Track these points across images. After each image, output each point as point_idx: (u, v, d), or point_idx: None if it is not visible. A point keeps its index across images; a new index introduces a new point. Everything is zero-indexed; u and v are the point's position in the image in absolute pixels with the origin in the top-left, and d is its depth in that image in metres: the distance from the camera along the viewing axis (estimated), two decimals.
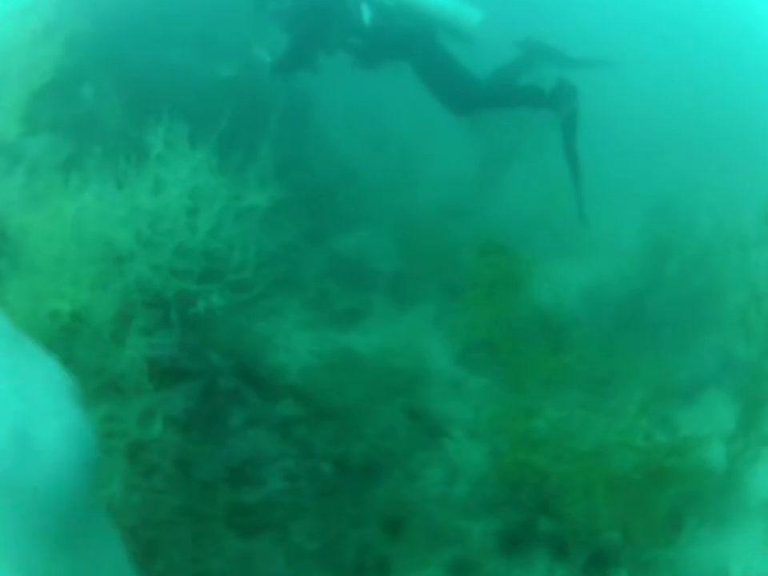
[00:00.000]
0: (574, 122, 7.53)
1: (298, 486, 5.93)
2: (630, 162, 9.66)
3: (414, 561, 5.87)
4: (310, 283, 8.56)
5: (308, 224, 8.90)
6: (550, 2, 10.02)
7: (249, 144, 6.76)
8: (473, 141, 9.33)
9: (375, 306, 8.39)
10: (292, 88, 8.83)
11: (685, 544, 6.26)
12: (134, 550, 3.04)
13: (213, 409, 5.92)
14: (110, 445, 4.94)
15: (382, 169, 9.82)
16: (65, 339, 5.15)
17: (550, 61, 8.18)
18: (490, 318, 7.41)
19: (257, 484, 5.82)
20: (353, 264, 8.80)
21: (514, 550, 6.17)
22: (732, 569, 6.29)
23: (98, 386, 5.11)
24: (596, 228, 8.55)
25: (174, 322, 5.96)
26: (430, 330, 8.13)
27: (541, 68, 8.27)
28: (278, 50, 8.30)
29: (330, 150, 9.73)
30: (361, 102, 10.02)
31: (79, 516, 2.50)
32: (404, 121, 10.19)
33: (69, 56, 7.80)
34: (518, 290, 7.52)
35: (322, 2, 7.99)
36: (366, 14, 7.84)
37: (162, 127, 6.19)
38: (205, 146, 6.41)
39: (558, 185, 8.30)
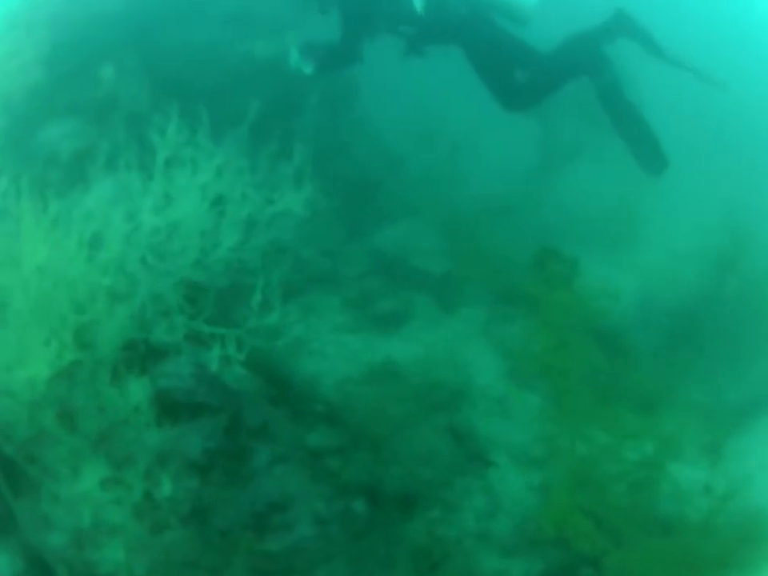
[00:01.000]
0: (615, 90, 7.14)
1: (328, 530, 5.49)
2: (698, 163, 9.02)
3: None
4: (350, 281, 8.10)
5: (350, 216, 8.39)
6: None
7: (283, 136, 6.15)
8: (530, 133, 8.73)
9: (419, 309, 7.98)
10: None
11: None
12: None
13: (236, 447, 5.46)
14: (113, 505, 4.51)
15: (430, 160, 9.38)
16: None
17: (635, 40, 7.43)
18: (543, 330, 6.83)
19: (283, 530, 5.39)
20: (396, 261, 8.38)
21: None
22: None
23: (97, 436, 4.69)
24: (653, 228, 7.95)
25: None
26: (478, 340, 7.72)
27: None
28: (321, 46, 7.69)
29: (375, 138, 9.22)
30: (410, 88, 9.46)
31: None
32: (455, 109, 9.65)
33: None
34: (573, 300, 6.98)
35: None
36: (419, 2, 7.26)
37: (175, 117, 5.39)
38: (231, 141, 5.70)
39: (618, 185, 7.71)
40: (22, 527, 4.81)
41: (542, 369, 6.73)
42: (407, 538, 5.81)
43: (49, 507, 4.83)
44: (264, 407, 5.90)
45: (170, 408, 5.36)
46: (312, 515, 5.54)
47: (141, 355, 5.21)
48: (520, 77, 7.51)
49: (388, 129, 9.46)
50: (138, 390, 5.03)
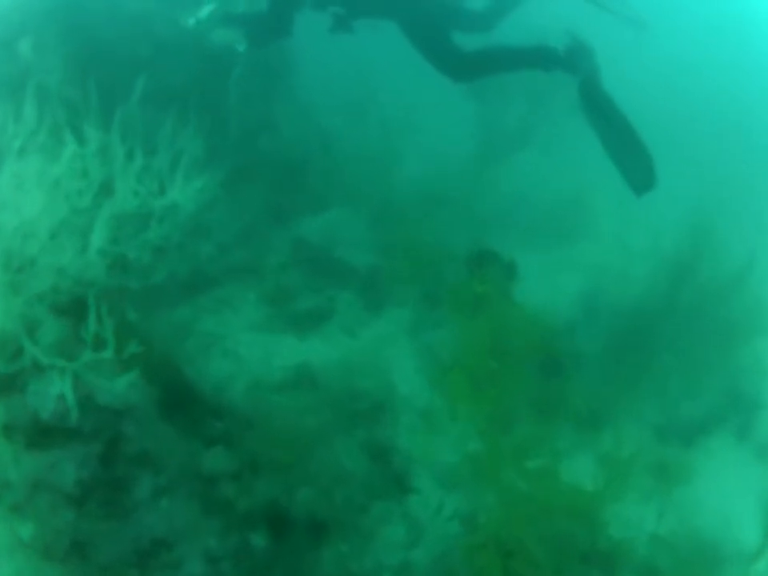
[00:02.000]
0: (594, 83, 6.58)
1: (221, 568, 4.93)
2: (659, 155, 8.51)
3: None
4: (269, 272, 7.47)
5: (272, 200, 7.77)
6: None
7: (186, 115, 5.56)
8: (471, 115, 8.11)
9: (341, 308, 7.50)
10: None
11: None
12: None
13: (114, 477, 4.85)
14: None
15: (360, 140, 8.76)
16: None
17: None
18: (474, 336, 6.52)
19: (170, 568, 4.87)
20: (320, 253, 7.75)
21: None
22: None
23: None
24: (604, 222, 7.49)
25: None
26: (403, 344, 7.17)
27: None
28: (248, 20, 7.24)
29: (301, 115, 8.51)
30: (338, 60, 8.79)
31: None
32: (389, 86, 9.01)
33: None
34: (509, 304, 6.52)
35: None
36: None
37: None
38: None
39: (566, 175, 7.19)
40: None
41: (472, 380, 6.39)
42: (315, 573, 5.41)
43: None
44: (152, 426, 5.23)
45: (42, 432, 4.76)
46: (203, 552, 4.99)
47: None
48: (465, 46, 7.01)
49: (315, 105, 8.81)
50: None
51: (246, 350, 6.99)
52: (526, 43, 6.94)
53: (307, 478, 5.82)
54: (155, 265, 5.47)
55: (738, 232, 7.95)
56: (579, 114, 6.67)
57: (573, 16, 7.15)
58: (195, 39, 7.33)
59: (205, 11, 7.09)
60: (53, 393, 4.67)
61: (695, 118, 10.07)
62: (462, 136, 9.07)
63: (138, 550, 4.91)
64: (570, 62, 6.64)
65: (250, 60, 7.54)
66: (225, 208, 7.47)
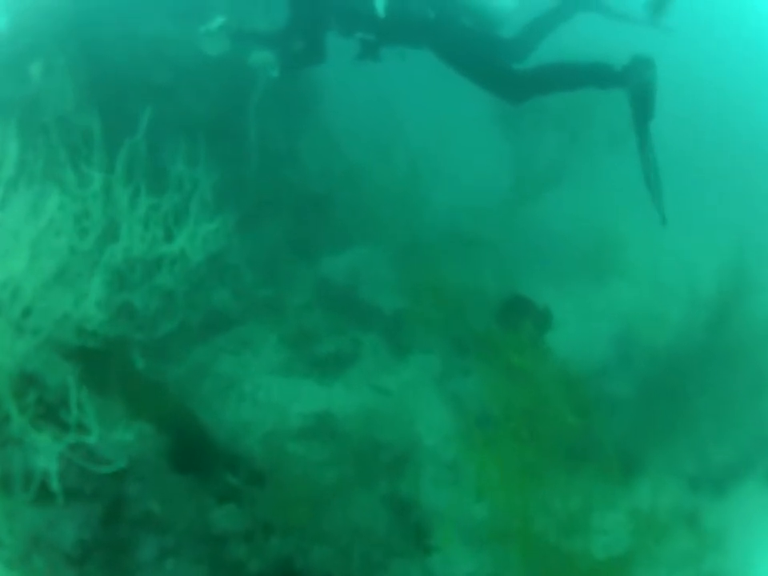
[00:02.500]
0: (648, 97, 6.25)
1: None
2: (695, 188, 8.20)
3: None
4: (291, 312, 7.24)
5: (295, 235, 7.56)
6: None
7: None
8: (502, 151, 7.86)
9: (365, 352, 7.23)
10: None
11: None
12: None
13: (116, 539, 4.61)
14: None
15: (387, 175, 8.47)
16: None
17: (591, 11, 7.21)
18: (504, 387, 6.23)
19: None
20: (344, 293, 7.52)
21: None
22: None
23: None
24: (637, 261, 7.21)
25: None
26: (430, 393, 6.90)
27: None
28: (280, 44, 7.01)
29: (326, 147, 8.30)
30: (366, 91, 8.54)
31: None
32: (418, 118, 8.74)
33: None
34: (541, 354, 6.39)
35: None
36: (380, 3, 6.58)
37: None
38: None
39: (599, 212, 6.93)
40: None
41: (500, 431, 6.04)
42: None
43: None
44: (159, 482, 5.00)
45: (40, 489, 4.53)
46: None
47: None
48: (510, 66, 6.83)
49: (341, 136, 8.58)
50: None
51: (264, 394, 6.81)
52: (579, 60, 6.70)
53: (324, 535, 5.57)
54: (165, 312, 5.26)
55: None
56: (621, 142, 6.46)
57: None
58: (215, 65, 7.16)
59: (215, 24, 6.91)
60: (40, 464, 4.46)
61: (737, 155, 9.75)
62: (493, 172, 8.82)
63: None
64: (625, 78, 6.36)
65: (270, 88, 7.34)
66: (246, 243, 7.30)
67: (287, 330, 7.29)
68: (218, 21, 6.87)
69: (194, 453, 5.70)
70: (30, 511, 4.49)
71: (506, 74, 6.75)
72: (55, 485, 4.37)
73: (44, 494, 4.47)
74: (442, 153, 8.49)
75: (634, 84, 6.27)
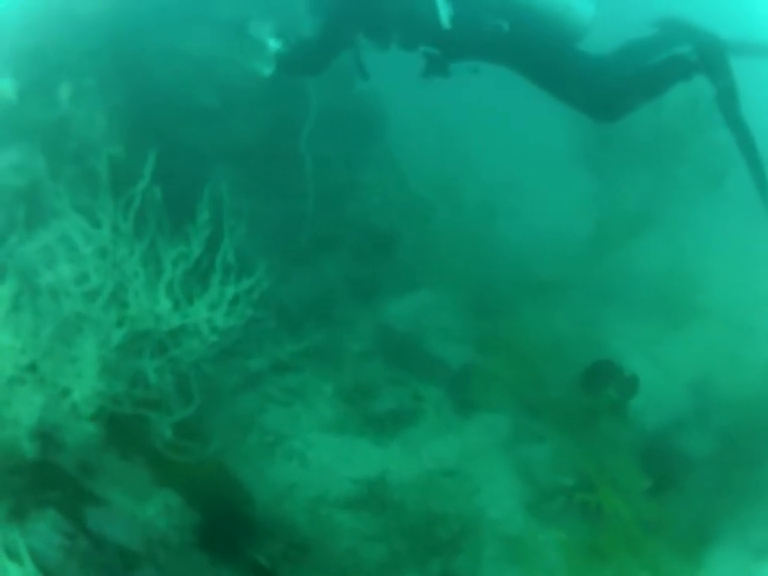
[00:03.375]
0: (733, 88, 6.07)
1: None
2: None
3: None
4: (348, 361, 6.72)
5: (355, 275, 7.09)
6: None
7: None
8: (586, 189, 7.25)
9: (427, 408, 6.66)
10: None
11: None
12: None
13: None
14: None
15: (457, 214, 7.90)
16: None
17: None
18: (580, 457, 5.96)
19: None
20: (406, 342, 7.00)
21: None
22: None
23: None
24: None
25: None
26: (497, 459, 6.31)
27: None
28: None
29: (391, 180, 7.78)
30: (436, 120, 7.96)
31: None
32: (493, 151, 8.09)
33: None
34: (623, 423, 6.12)
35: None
36: (445, 13, 6.06)
37: None
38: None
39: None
40: None
41: (571, 504, 5.91)
42: None
43: None
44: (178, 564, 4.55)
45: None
46: None
47: None
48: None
49: (407, 169, 8.05)
50: None
51: (314, 453, 6.28)
52: (651, 61, 6.42)
53: None
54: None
55: None
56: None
57: None
58: (267, 87, 6.72)
59: (269, 45, 6.45)
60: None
61: None
62: (573, 212, 8.18)
63: None
64: (704, 64, 6.15)
65: (328, 113, 6.87)
66: (301, 283, 6.89)
67: (343, 380, 6.78)
68: (273, 44, 6.41)
69: (228, 523, 5.25)
70: None
71: (595, 90, 6.29)
72: None
73: None
74: (517, 189, 7.91)
75: (712, 65, 6.06)
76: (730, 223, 7.58)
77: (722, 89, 6.10)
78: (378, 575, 5.42)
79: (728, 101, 6.10)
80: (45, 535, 4.38)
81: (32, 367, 4.35)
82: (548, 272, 7.67)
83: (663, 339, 7.47)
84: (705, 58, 6.15)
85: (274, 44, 6.40)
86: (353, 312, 7.28)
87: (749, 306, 7.77)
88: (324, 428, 6.51)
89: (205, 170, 6.32)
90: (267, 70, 6.47)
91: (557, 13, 6.24)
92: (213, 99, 7.02)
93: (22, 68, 6.35)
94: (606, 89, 6.32)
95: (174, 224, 4.47)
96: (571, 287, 7.34)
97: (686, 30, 6.68)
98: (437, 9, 6.03)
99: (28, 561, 3.81)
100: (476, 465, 6.29)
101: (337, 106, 7.28)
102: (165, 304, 4.38)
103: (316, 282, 7.22)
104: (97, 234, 4.52)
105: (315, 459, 6.23)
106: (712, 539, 5.86)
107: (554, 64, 6.30)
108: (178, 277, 4.43)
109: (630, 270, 7.80)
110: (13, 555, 4.10)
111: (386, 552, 5.59)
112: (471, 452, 6.38)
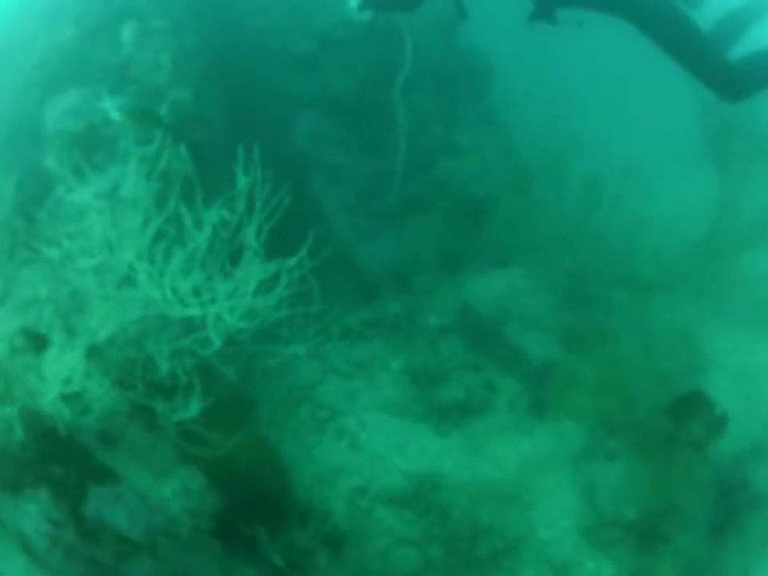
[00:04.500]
0: None
1: None
2: None
3: None
4: (422, 336, 6.31)
5: (442, 243, 6.70)
6: None
7: None
8: (706, 185, 6.55)
9: (498, 402, 6.23)
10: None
11: None
12: None
13: None
14: None
15: (561, 191, 7.35)
16: None
17: None
18: (649, 483, 5.57)
19: None
20: (487, 324, 6.54)
21: None
22: None
23: None
24: None
25: None
26: (563, 472, 5.89)
27: None
28: None
29: (493, 143, 7.20)
30: (549, 84, 7.29)
31: None
32: (610, 130, 7.36)
33: None
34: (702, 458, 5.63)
35: None
36: None
37: None
38: None
39: None
40: None
41: (630, 535, 5.55)
42: None
43: None
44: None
45: None
46: None
47: None
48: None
49: (513, 133, 7.44)
50: None
51: (367, 436, 5.97)
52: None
53: None
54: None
55: None
56: None
57: None
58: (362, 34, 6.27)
59: None
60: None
61: None
62: (689, 212, 7.43)
63: None
64: None
65: (426, 63, 6.35)
66: (386, 245, 6.51)
67: (413, 357, 6.38)
68: None
69: (255, 507, 5.06)
70: None
71: (719, 64, 5.58)
72: None
73: None
74: (630, 173, 7.19)
75: None
76: None
77: None
78: None
79: None
80: (34, 519, 4.27)
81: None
82: (650, 270, 7.10)
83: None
84: None
85: None
86: (436, 283, 6.83)
87: None
88: (383, 408, 6.20)
89: (292, 117, 5.97)
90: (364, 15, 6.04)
91: None
92: (306, 45, 6.62)
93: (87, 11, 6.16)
94: (732, 69, 5.59)
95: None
96: (673, 290, 6.70)
97: None
98: None
99: None
100: (538, 476, 5.86)
101: (439, 58, 6.74)
102: None
103: (399, 247, 6.81)
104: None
105: (367, 442, 5.97)
106: None
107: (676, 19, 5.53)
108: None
109: (739, 280, 7.06)
110: None
111: (418, 559, 5.31)
112: (536, 461, 5.95)
